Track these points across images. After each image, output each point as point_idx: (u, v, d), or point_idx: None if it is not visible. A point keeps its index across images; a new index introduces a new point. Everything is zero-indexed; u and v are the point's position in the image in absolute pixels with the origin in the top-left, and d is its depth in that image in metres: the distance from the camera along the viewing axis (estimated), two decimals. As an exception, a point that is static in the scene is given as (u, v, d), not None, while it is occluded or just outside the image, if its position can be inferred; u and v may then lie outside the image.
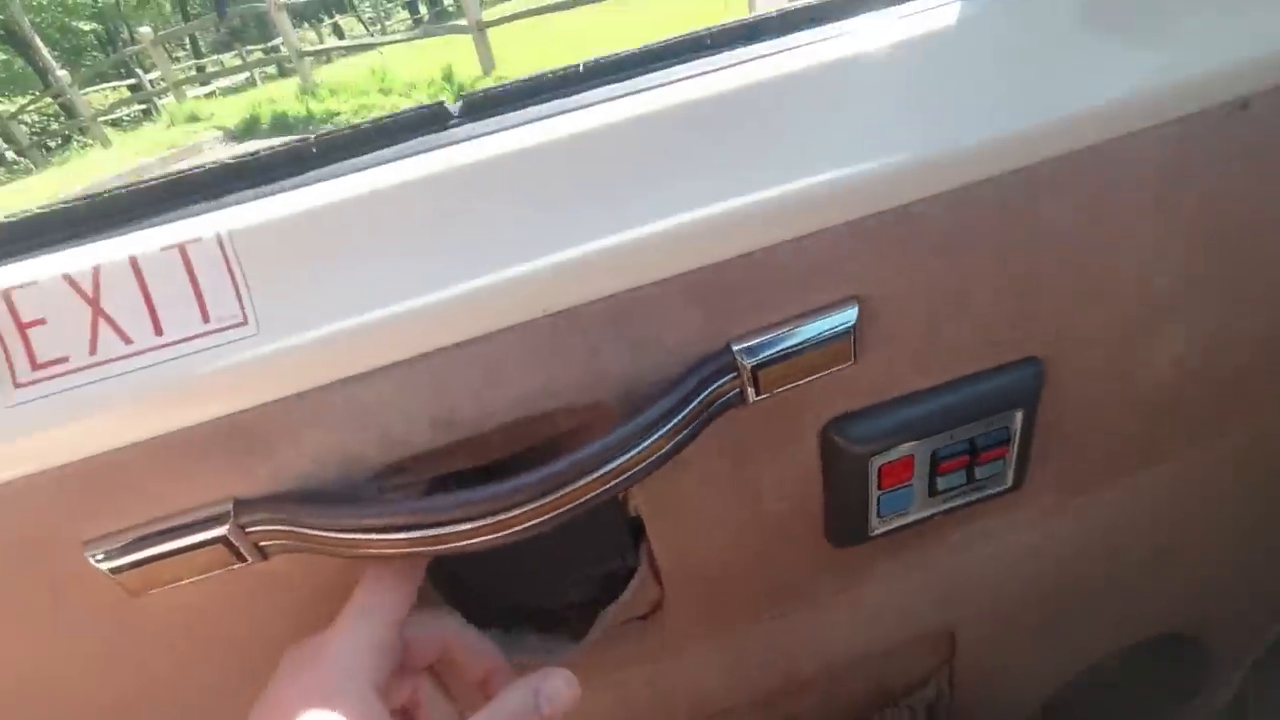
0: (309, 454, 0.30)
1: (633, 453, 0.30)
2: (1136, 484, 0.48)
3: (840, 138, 0.30)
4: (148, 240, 0.27)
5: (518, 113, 0.31)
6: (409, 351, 0.29)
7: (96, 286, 0.27)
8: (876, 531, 0.41)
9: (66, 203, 0.30)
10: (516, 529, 0.29)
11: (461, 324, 0.29)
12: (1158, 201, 0.35)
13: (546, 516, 0.29)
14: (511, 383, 0.30)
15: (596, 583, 0.40)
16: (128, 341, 0.27)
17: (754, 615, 0.44)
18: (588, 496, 0.29)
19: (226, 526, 0.29)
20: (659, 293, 0.30)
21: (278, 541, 0.31)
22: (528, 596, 0.40)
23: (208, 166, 0.31)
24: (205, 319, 0.27)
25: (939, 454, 0.39)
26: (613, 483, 0.30)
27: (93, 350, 0.27)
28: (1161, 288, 0.37)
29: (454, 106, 0.32)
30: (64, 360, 0.26)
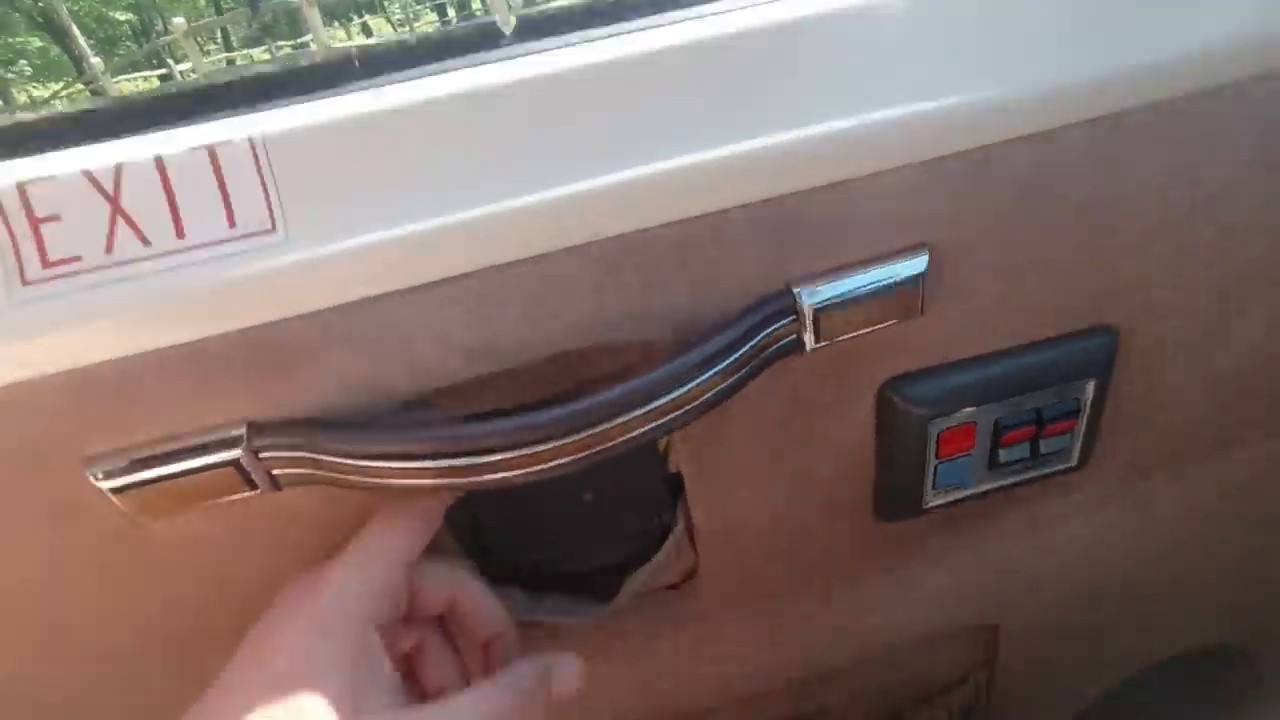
0: (333, 378, 0.27)
1: (680, 391, 0.27)
2: (1202, 475, 0.45)
3: (921, 72, 0.28)
4: (175, 140, 0.25)
5: (578, 33, 0.29)
6: (446, 271, 0.26)
7: (117, 184, 0.25)
8: (930, 504, 0.38)
9: (94, 106, 0.28)
10: (549, 464, 0.26)
11: (506, 245, 0.26)
12: (1257, 161, 0.32)
13: (583, 454, 0.27)
14: (556, 313, 0.28)
15: (627, 545, 0.37)
16: (146, 244, 0.25)
17: (791, 591, 0.42)
18: (628, 435, 0.27)
19: (239, 450, 0.27)
20: (721, 224, 0.28)
21: (293, 470, 0.28)
22: (553, 556, 0.37)
23: (244, 75, 0.29)
24: (231, 224, 0.25)
25: (1003, 423, 0.36)
26: (656, 423, 0.27)
27: (109, 250, 0.25)
28: (1251, 259, 0.35)
29: (508, 26, 0.30)
30: (77, 259, 0.25)
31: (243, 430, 0.28)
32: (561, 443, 0.26)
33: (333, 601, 0.26)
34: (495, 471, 0.27)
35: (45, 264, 0.24)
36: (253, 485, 0.29)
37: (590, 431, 0.26)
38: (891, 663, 0.52)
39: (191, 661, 0.33)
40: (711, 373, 0.28)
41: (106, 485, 0.28)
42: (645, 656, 0.42)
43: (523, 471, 0.27)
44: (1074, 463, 0.39)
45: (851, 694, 0.53)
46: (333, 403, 0.28)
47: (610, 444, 0.27)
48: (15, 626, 0.32)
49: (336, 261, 0.25)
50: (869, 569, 0.42)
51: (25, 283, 0.24)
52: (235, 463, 0.28)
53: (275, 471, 0.29)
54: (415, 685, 0.31)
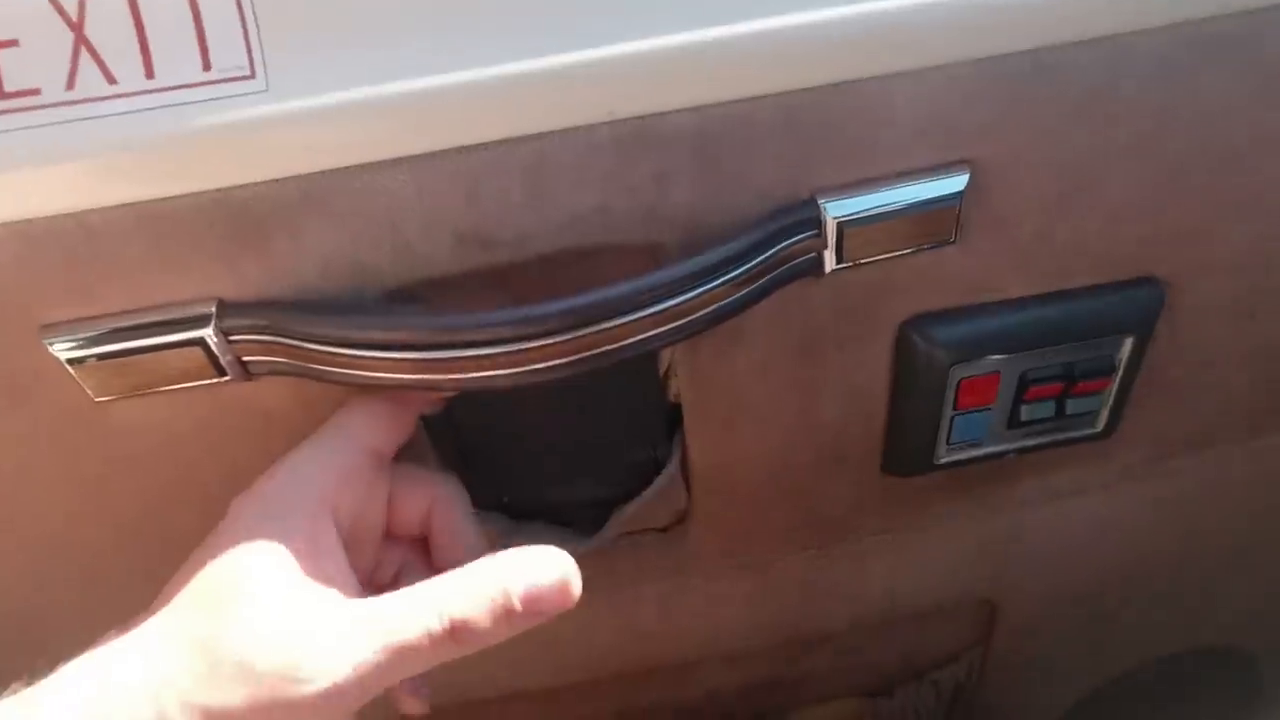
0: (311, 256, 0.25)
1: (687, 296, 0.25)
2: (1231, 460, 0.43)
3: None
4: None
5: None
6: (438, 142, 0.24)
7: (82, 9, 0.22)
8: (942, 460, 0.36)
9: None
10: (541, 365, 0.24)
11: (506, 116, 0.24)
12: None
13: (577, 356, 0.24)
14: (557, 201, 0.26)
15: (617, 480, 0.35)
16: (112, 81, 0.22)
17: (785, 544, 0.40)
18: (628, 340, 0.25)
19: (207, 329, 0.25)
20: (745, 115, 0.25)
21: (265, 358, 0.26)
22: (538, 485, 0.35)
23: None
24: (206, 67, 0.23)
25: (1029, 376, 0.33)
26: (659, 329, 0.25)
27: (70, 85, 0.22)
28: None
29: None
30: (34, 93, 0.22)
31: (211, 308, 0.26)
32: (555, 341, 0.24)
33: (282, 484, 0.24)
34: (482, 369, 0.25)
35: (1, 94, 0.22)
36: (221, 371, 0.27)
37: (587, 330, 0.24)
38: (883, 632, 0.50)
39: (157, 562, 0.32)
40: (722, 280, 0.25)
41: (64, 356, 0.26)
42: (628, 602, 0.41)
43: (512, 371, 0.25)
44: (1099, 428, 0.36)
45: (838, 661, 0.51)
46: (310, 285, 0.26)
47: (608, 348, 0.25)
48: None
49: (319, 117, 0.23)
50: (871, 528, 0.40)
51: None
52: (202, 342, 0.26)
53: (246, 358, 0.27)
54: None
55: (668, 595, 0.41)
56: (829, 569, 0.42)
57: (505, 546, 0.35)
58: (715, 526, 0.38)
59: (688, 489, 0.36)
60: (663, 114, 0.25)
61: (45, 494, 0.30)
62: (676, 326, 0.25)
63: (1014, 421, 0.35)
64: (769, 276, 0.27)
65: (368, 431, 0.26)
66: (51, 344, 0.26)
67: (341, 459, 0.24)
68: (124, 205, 0.24)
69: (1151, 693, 0.60)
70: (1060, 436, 0.36)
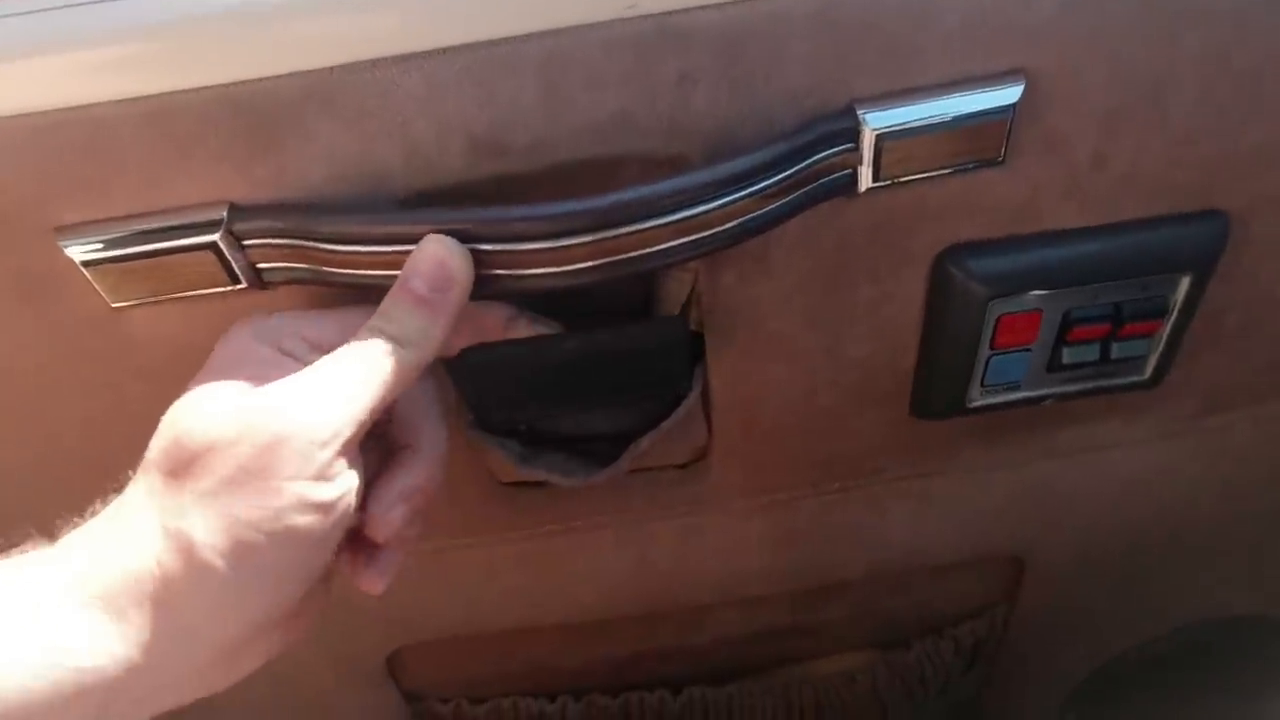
0: (322, 154, 0.24)
1: (712, 205, 0.24)
2: (1275, 416, 0.40)
3: None
4: None
5: None
6: (448, 37, 0.23)
7: None
8: (975, 404, 0.34)
9: None
10: (559, 269, 0.23)
11: (518, 9, 0.23)
12: None
13: (597, 260, 0.23)
14: (573, 104, 0.24)
15: (637, 412, 0.35)
16: None
17: (808, 487, 0.39)
18: (651, 249, 0.24)
19: (218, 232, 0.25)
20: (776, 11, 0.23)
21: (280, 265, 0.26)
22: (556, 415, 0.34)
23: None
24: None
25: (1073, 315, 0.32)
26: (682, 239, 0.24)
27: None
28: None
29: None
30: None
31: (223, 211, 0.25)
32: (573, 243, 0.23)
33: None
34: (494, 267, 0.24)
35: None
36: (234, 278, 0.26)
37: (607, 234, 0.23)
38: (902, 584, 0.49)
39: None
40: (749, 191, 0.24)
41: (79, 258, 0.26)
42: (643, 538, 0.40)
43: (529, 272, 0.24)
44: (1145, 376, 0.34)
45: (856, 612, 0.51)
46: (322, 190, 0.25)
47: (630, 254, 0.24)
48: None
49: (327, 8, 0.22)
50: (895, 473, 0.39)
51: None
52: (214, 246, 0.25)
53: (260, 265, 0.26)
54: None
55: (684, 533, 0.40)
56: (849, 513, 0.41)
57: (522, 473, 0.35)
58: (735, 462, 0.37)
59: (708, 423, 0.36)
60: (686, 9, 0.23)
61: (61, 399, 0.31)
62: (700, 238, 0.24)
63: (1054, 365, 0.33)
64: (800, 192, 0.26)
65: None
66: (66, 245, 0.25)
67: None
68: (132, 99, 0.23)
69: (1184, 659, 0.59)
70: (1104, 383, 0.34)
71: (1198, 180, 0.29)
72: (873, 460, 0.38)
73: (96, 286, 0.26)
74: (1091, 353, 0.33)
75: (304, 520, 0.20)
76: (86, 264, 0.26)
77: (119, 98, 0.23)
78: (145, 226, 0.25)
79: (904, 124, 0.25)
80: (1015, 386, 0.34)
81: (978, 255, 0.30)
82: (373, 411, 0.22)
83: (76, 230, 0.25)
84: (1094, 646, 0.57)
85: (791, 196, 0.25)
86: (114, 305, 0.27)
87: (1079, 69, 0.25)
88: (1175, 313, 0.32)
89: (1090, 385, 0.34)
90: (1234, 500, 0.45)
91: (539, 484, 0.37)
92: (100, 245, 0.25)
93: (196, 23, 0.22)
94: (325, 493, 0.21)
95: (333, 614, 0.44)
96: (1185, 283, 0.31)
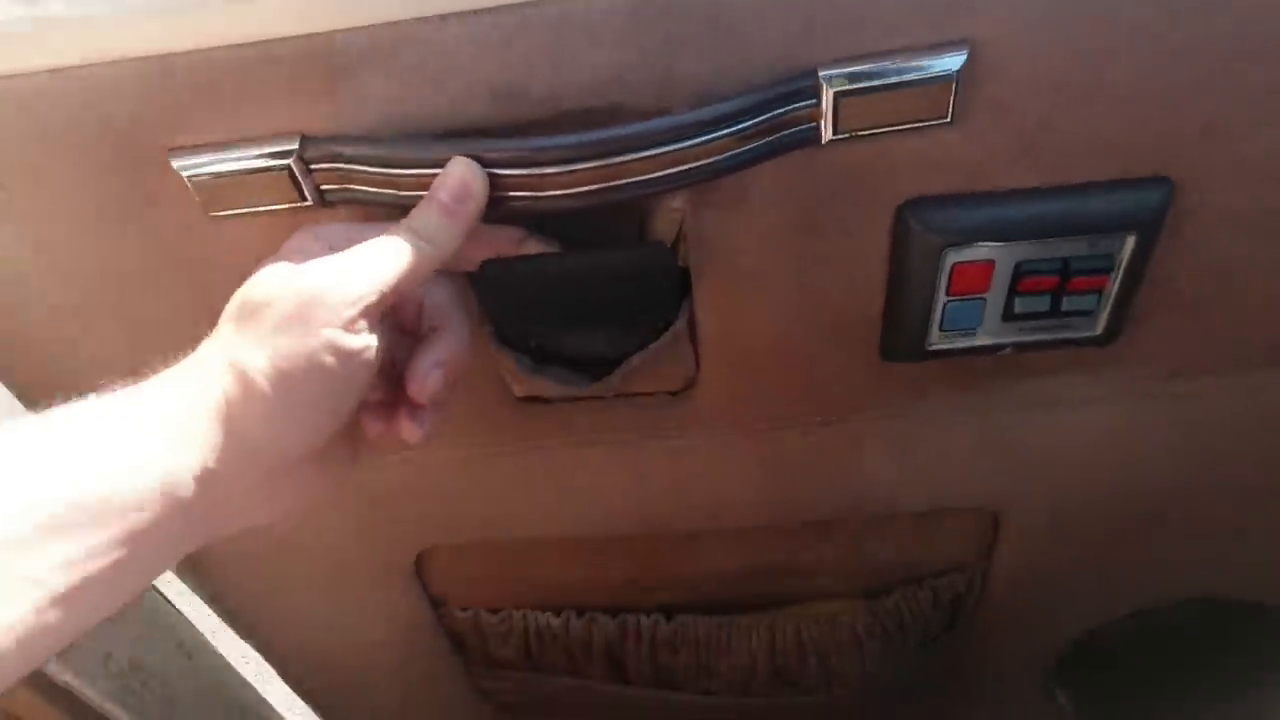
0: (375, 97, 0.30)
1: (691, 142, 0.28)
2: (1257, 389, 0.42)
3: None
4: None
5: None
6: (478, 2, 0.28)
7: None
8: (935, 346, 0.38)
9: None
10: (559, 192, 0.29)
11: None
12: None
13: (595, 186, 0.29)
14: (577, 61, 0.29)
15: (633, 339, 0.40)
16: None
17: (787, 418, 0.43)
18: (637, 177, 0.29)
19: (292, 158, 0.31)
20: None
21: (336, 187, 0.32)
22: (562, 336, 0.40)
23: None
24: None
25: (1024, 267, 0.35)
26: (665, 171, 0.29)
27: None
28: None
29: None
30: None
31: (296, 141, 0.31)
32: (576, 169, 0.28)
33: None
34: (509, 190, 0.29)
35: None
36: (302, 196, 0.32)
37: (601, 163, 0.28)
38: (884, 530, 0.53)
39: None
40: (725, 133, 0.29)
41: (186, 174, 0.32)
42: (639, 457, 0.45)
43: (538, 194, 0.29)
44: (1098, 331, 0.37)
45: (841, 556, 0.54)
46: (373, 127, 0.31)
47: (622, 182, 0.29)
48: (103, 308, 0.38)
49: None
50: (868, 413, 0.43)
51: None
52: (288, 168, 0.31)
53: (324, 186, 0.32)
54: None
55: (675, 454, 0.45)
56: (827, 448, 0.45)
57: (531, 383, 0.40)
58: (721, 390, 0.42)
59: (696, 355, 0.40)
60: None
61: (158, 296, 0.37)
62: (682, 170, 0.29)
63: (1009, 314, 0.37)
64: (770, 138, 0.30)
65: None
66: (177, 163, 0.32)
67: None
68: (237, 45, 0.29)
69: (1164, 636, 0.60)
70: (1058, 336, 0.38)
71: (1143, 148, 0.32)
72: (847, 398, 0.42)
73: (197, 199, 0.33)
74: (1042, 304, 0.36)
75: (331, 360, 0.26)
76: (191, 179, 0.32)
77: (228, 44, 0.29)
78: (238, 151, 0.32)
79: (859, 84, 0.29)
80: (972, 332, 0.38)
81: (934, 208, 0.34)
82: (393, 288, 0.27)
83: (185, 152, 0.32)
84: (1077, 615, 0.60)
85: (762, 141, 0.30)
86: (210, 215, 0.34)
87: (1021, 40, 0.29)
88: (1122, 271, 0.35)
89: (1045, 337, 0.38)
90: (1216, 470, 0.47)
91: (548, 402, 0.43)
92: (203, 164, 0.32)
93: None
94: (350, 342, 0.26)
95: (369, 514, 0.51)
96: (1130, 242, 0.34)
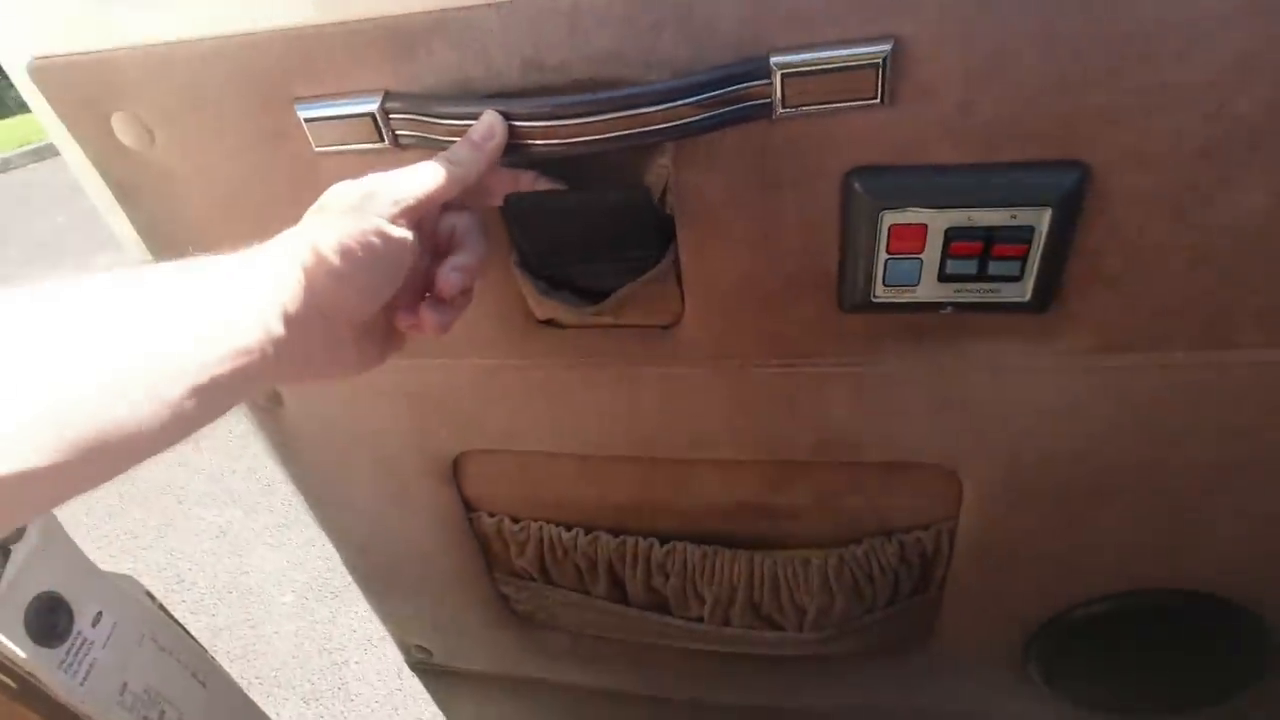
0: (438, 65, 0.41)
1: (665, 106, 0.37)
2: (1193, 367, 0.46)
3: None
4: None
5: None
6: None
7: None
8: (880, 298, 0.45)
9: None
10: (571, 140, 0.38)
11: None
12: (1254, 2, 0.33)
13: (593, 136, 0.38)
14: (586, 38, 0.39)
15: (626, 275, 0.48)
16: None
17: (759, 357, 0.51)
18: (629, 131, 0.38)
19: (375, 107, 0.42)
20: None
21: (407, 133, 0.43)
22: (571, 267, 0.49)
23: None
24: None
25: (952, 232, 0.41)
26: (647, 128, 0.37)
27: None
28: (1243, 115, 0.36)
29: None
30: None
31: (380, 95, 0.42)
32: (574, 122, 0.37)
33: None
34: (528, 138, 0.39)
35: None
36: (381, 139, 0.43)
37: (596, 118, 0.37)
38: (856, 480, 0.59)
39: None
40: (691, 100, 0.37)
41: (303, 116, 0.44)
42: (634, 379, 0.54)
43: (546, 141, 0.39)
44: (1027, 297, 0.43)
45: (819, 501, 0.61)
46: (436, 86, 0.42)
47: (610, 135, 0.38)
48: (238, 214, 0.50)
49: None
50: (830, 360, 0.50)
51: None
52: (372, 115, 0.42)
53: (398, 132, 0.43)
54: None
55: (664, 381, 0.53)
56: (794, 389, 0.52)
57: (544, 304, 0.50)
58: (702, 327, 0.50)
59: (681, 294, 0.49)
60: None
61: (280, 205, 0.49)
62: (658, 129, 0.38)
63: (943, 274, 0.43)
64: (731, 108, 0.38)
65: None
66: (298, 108, 0.44)
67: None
68: (340, 23, 0.40)
69: (1134, 623, 0.63)
70: (991, 299, 0.43)
71: (1056, 132, 0.38)
72: (810, 342, 0.49)
73: (310, 137, 0.44)
74: (971, 267, 0.42)
75: (378, 242, 0.36)
76: (306, 121, 0.44)
77: (337, 20, 0.40)
78: (340, 101, 0.43)
79: (801, 65, 0.37)
80: (912, 289, 0.44)
81: (874, 176, 0.41)
82: (429, 195, 0.37)
83: (305, 100, 0.43)
84: (1046, 592, 0.63)
85: (725, 109, 0.38)
86: (316, 149, 0.45)
87: (940, 35, 0.36)
88: (1042, 241, 0.41)
89: (979, 299, 0.44)
90: (1163, 456, 0.50)
91: (562, 327, 0.52)
92: (315, 110, 0.43)
93: None
94: (393, 231, 0.36)
95: (413, 411, 0.62)
96: (1047, 215, 0.40)
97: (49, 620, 0.65)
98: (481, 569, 0.74)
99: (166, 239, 0.54)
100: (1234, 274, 0.41)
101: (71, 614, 0.67)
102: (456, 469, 0.66)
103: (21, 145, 6.38)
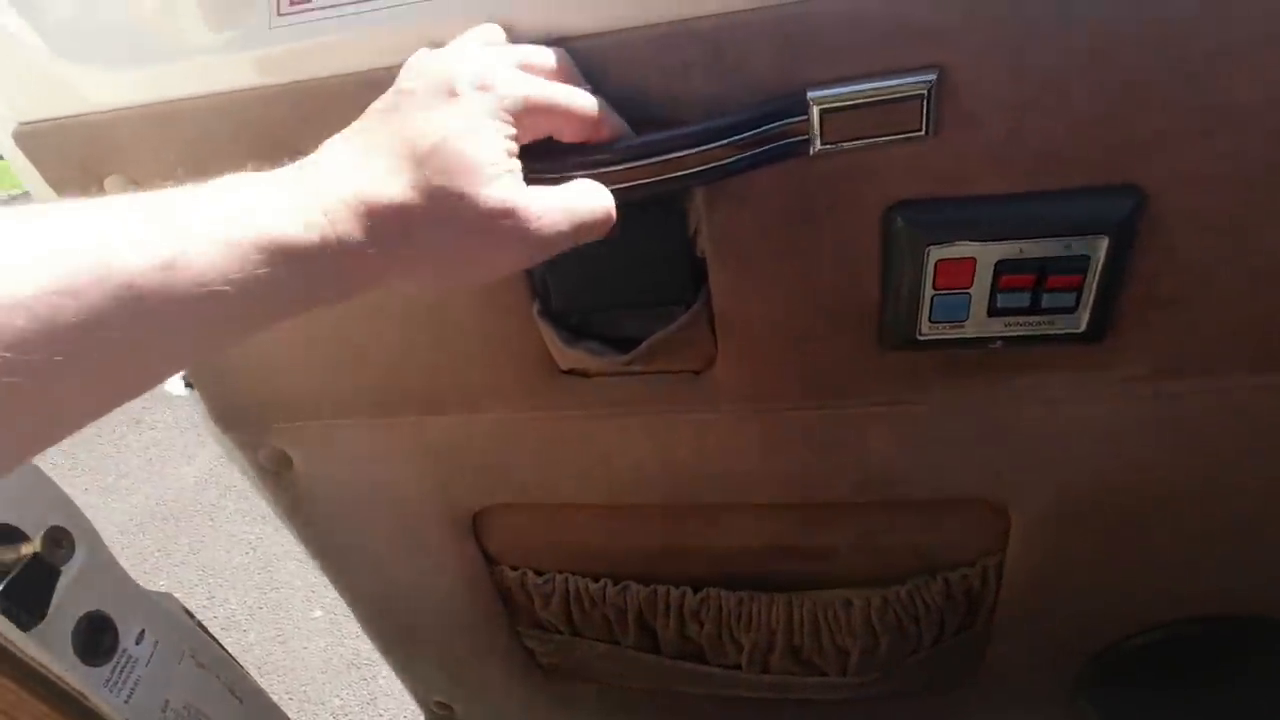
0: None
1: (697, 150, 0.35)
2: (1250, 391, 0.44)
3: None
4: None
5: None
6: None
7: None
8: (925, 336, 0.42)
9: None
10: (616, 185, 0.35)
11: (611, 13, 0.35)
12: None
13: (629, 184, 0.35)
14: (623, 79, 0.36)
15: (657, 323, 0.46)
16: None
17: (796, 400, 0.48)
18: (663, 176, 0.35)
19: None
20: (745, 21, 0.34)
21: None
22: (597, 315, 0.47)
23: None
24: None
25: (1003, 265, 0.39)
26: (682, 171, 0.35)
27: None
28: None
29: None
30: (307, 1, 0.37)
31: None
32: (610, 170, 0.35)
33: None
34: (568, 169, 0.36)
35: (291, 3, 0.38)
36: None
37: (636, 163, 0.35)
38: (898, 521, 0.56)
39: None
40: (726, 141, 0.35)
41: None
42: (666, 428, 0.51)
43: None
44: (1082, 328, 0.41)
45: (857, 543, 0.58)
46: None
47: (652, 178, 0.35)
48: None
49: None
50: (872, 399, 0.47)
51: (279, 14, 0.38)
52: None
53: None
54: None
55: (697, 427, 0.51)
56: (833, 431, 0.49)
57: (569, 353, 0.47)
58: (737, 371, 0.47)
59: (714, 337, 0.46)
60: (689, 19, 0.35)
61: None
62: (693, 172, 0.35)
63: (993, 309, 0.41)
64: (766, 147, 0.36)
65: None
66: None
67: None
68: (351, 73, 0.38)
69: (1188, 654, 0.60)
70: (1043, 331, 0.41)
71: (1107, 159, 0.36)
72: (850, 383, 0.47)
73: None
74: (1023, 300, 0.40)
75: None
76: None
77: (346, 68, 0.38)
78: None
79: (841, 100, 0.35)
80: (960, 324, 0.42)
81: (918, 210, 0.39)
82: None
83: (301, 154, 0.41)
84: (1097, 624, 0.60)
85: (760, 150, 0.36)
86: None
87: (983, 64, 0.34)
88: (1099, 270, 0.39)
89: (1031, 332, 0.41)
90: (1217, 483, 0.48)
91: (587, 376, 0.50)
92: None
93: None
94: (533, 204, 0.31)
95: (434, 468, 0.59)
96: (1104, 244, 0.38)
97: (95, 639, 0.66)
98: (504, 623, 0.71)
99: None
100: None
101: (117, 633, 0.69)
102: (477, 523, 0.63)
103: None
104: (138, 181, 0.45)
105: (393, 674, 1.56)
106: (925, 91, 0.34)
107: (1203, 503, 0.50)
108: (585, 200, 0.34)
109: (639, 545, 0.62)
